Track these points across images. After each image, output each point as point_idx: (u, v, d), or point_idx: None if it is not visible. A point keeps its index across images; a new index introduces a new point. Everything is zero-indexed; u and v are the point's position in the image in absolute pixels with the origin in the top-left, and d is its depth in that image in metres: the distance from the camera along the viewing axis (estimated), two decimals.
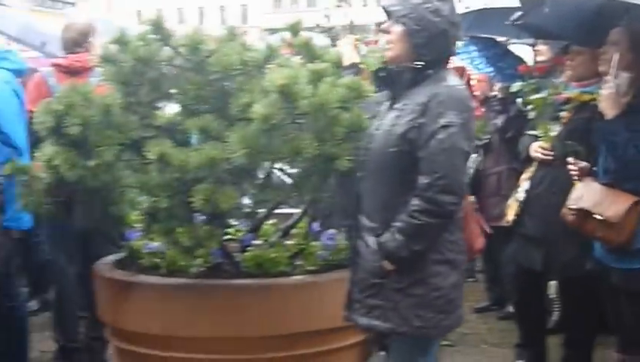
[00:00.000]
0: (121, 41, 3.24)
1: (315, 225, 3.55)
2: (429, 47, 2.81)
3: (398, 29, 2.85)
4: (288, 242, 3.52)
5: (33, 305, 5.48)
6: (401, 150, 2.77)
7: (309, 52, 3.49)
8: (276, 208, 3.58)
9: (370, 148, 2.89)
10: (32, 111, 3.78)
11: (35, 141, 3.42)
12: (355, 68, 3.57)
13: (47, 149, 3.15)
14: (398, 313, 2.77)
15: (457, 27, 2.87)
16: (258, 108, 2.93)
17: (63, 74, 4.34)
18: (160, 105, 3.35)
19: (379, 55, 3.35)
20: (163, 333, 3.23)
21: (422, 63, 2.81)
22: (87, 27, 4.61)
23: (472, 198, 2.94)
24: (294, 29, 3.57)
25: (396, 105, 2.86)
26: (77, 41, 4.53)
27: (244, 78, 3.18)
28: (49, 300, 5.39)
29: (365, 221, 2.87)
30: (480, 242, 3.04)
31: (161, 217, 3.11)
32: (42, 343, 4.80)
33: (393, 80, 2.89)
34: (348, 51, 3.65)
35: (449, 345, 4.63)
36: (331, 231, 3.49)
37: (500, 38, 5.75)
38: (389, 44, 2.90)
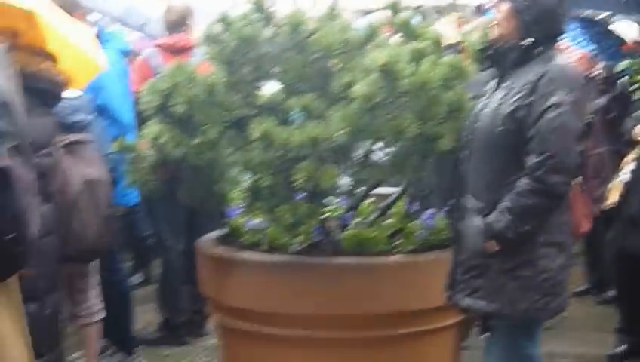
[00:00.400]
0: (225, 21, 3.30)
1: (414, 205, 3.55)
2: (538, 24, 2.76)
3: (506, 6, 2.80)
4: (387, 221, 3.53)
5: (137, 278, 5.67)
6: (507, 129, 2.73)
7: (409, 31, 3.46)
8: (375, 187, 3.59)
9: (477, 128, 2.85)
10: (137, 92, 3.91)
11: (142, 121, 3.53)
12: (456, 47, 3.53)
13: (153, 128, 3.24)
14: (504, 294, 2.74)
15: (566, 4, 2.80)
16: (359, 88, 2.94)
17: (167, 53, 4.48)
18: (262, 84, 3.40)
19: (481, 34, 3.30)
20: (263, 309, 3.28)
21: (531, 41, 2.76)
22: (186, 9, 4.80)
23: (579, 179, 2.87)
24: (394, 8, 3.55)
25: (503, 84, 2.82)
26: (178, 23, 4.71)
27: (345, 58, 3.19)
28: (151, 274, 5.58)
29: (471, 201, 2.84)
30: (586, 224, 2.97)
31: (263, 195, 3.16)
32: (146, 315, 4.96)
33: (500, 58, 2.85)
34: (449, 30, 3.61)
35: (549, 329, 4.56)
36: (430, 210, 3.48)
37: (603, 14, 5.59)
38: (497, 22, 2.86)
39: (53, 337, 3.26)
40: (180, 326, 4.68)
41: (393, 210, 3.61)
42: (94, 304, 3.87)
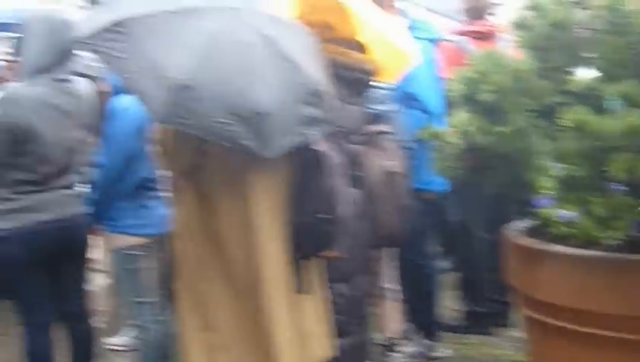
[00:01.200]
0: (536, 6, 3.21)
1: None
2: None
3: None
4: None
5: (446, 264, 5.70)
6: None
7: None
8: None
9: None
10: (446, 79, 3.94)
11: (450, 108, 3.54)
12: None
13: (461, 116, 3.23)
14: None
15: None
16: None
17: (477, 40, 4.52)
18: (574, 70, 3.25)
19: None
20: (575, 306, 3.12)
21: None
22: None
23: None
24: None
25: None
26: (483, 9, 4.85)
27: None
28: (461, 261, 5.59)
29: None
30: None
31: (575, 186, 3.02)
32: (451, 301, 4.98)
33: None
34: None
35: None
36: None
37: None
38: None
39: (360, 318, 3.39)
40: (483, 315, 4.65)
41: None
42: (389, 286, 3.97)
